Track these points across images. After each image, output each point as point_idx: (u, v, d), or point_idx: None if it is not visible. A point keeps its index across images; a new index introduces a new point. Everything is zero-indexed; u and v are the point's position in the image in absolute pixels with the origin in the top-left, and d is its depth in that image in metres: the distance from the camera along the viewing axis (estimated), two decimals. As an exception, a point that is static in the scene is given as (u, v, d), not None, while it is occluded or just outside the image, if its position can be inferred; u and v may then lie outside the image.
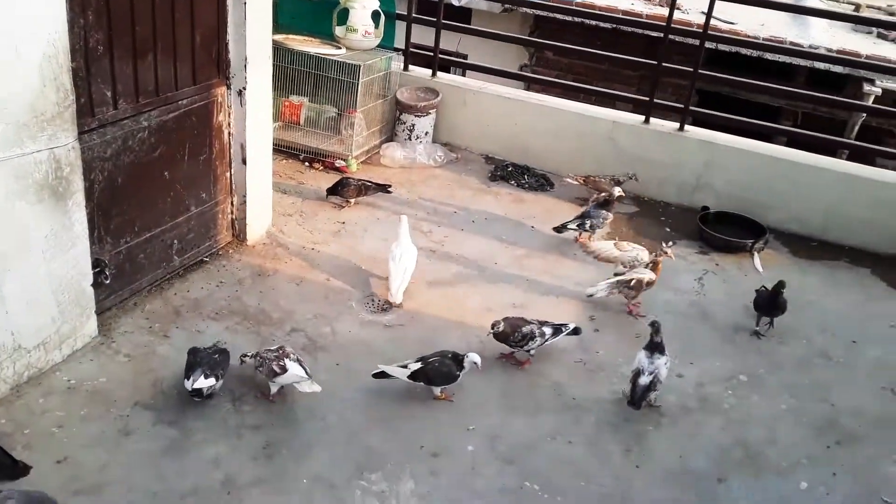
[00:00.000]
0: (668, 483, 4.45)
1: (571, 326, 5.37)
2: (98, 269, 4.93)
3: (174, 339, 5.08)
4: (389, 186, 7.12)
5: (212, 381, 4.51)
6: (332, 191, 6.91)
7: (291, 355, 4.66)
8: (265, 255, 6.13)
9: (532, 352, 5.23)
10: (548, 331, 5.23)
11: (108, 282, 5.06)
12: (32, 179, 4.32)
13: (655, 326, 5.01)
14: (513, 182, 7.82)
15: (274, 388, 4.66)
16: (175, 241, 5.65)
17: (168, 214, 5.53)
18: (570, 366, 5.31)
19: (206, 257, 5.99)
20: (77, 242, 4.68)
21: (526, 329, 5.14)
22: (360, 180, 7.02)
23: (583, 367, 5.31)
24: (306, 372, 4.63)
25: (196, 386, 4.46)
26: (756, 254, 6.89)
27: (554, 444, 4.65)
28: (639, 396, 4.96)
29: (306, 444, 4.43)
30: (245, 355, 4.73)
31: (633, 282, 5.76)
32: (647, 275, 5.80)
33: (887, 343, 5.84)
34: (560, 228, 6.69)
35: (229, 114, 5.82)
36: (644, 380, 4.93)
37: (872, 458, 4.73)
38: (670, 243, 6.05)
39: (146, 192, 5.30)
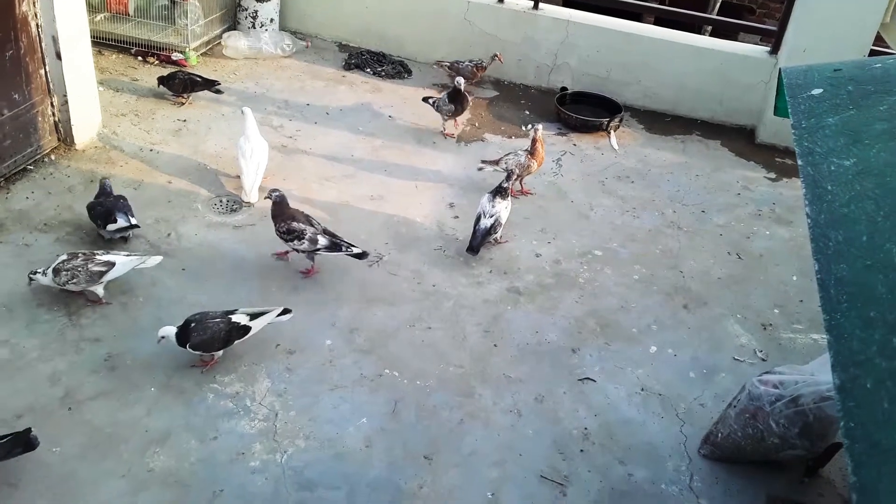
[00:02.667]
0: (523, 358, 4.56)
1: (358, 251, 4.81)
2: None
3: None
4: (218, 83, 6.52)
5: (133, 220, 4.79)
6: (163, 81, 6.41)
7: (98, 252, 4.43)
8: (97, 159, 5.64)
9: (310, 259, 4.89)
10: (324, 241, 4.73)
11: None
12: None
13: (508, 174, 5.28)
14: (369, 70, 7.50)
15: (101, 291, 4.40)
16: (-13, 148, 5.09)
17: (-25, 118, 4.95)
18: (430, 253, 5.27)
19: (30, 165, 5.44)
20: None
21: (296, 227, 4.72)
22: (187, 75, 6.48)
23: (442, 255, 5.28)
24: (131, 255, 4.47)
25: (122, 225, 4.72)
26: (612, 132, 6.99)
27: (413, 330, 4.64)
28: (478, 241, 5.03)
29: (153, 352, 4.21)
30: (35, 272, 4.31)
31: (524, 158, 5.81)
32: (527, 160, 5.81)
33: (732, 210, 6.14)
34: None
35: (35, 3, 5.16)
36: (484, 223, 5.05)
37: (717, 318, 5.02)
38: (530, 126, 6.00)
39: (-57, 94, 4.70)
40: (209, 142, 5.98)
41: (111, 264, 4.32)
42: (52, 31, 5.26)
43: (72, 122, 5.60)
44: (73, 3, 5.33)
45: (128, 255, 4.45)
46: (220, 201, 5.44)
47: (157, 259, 4.54)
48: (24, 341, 4.18)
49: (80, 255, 4.34)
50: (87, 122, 5.75)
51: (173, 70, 6.54)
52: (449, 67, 7.24)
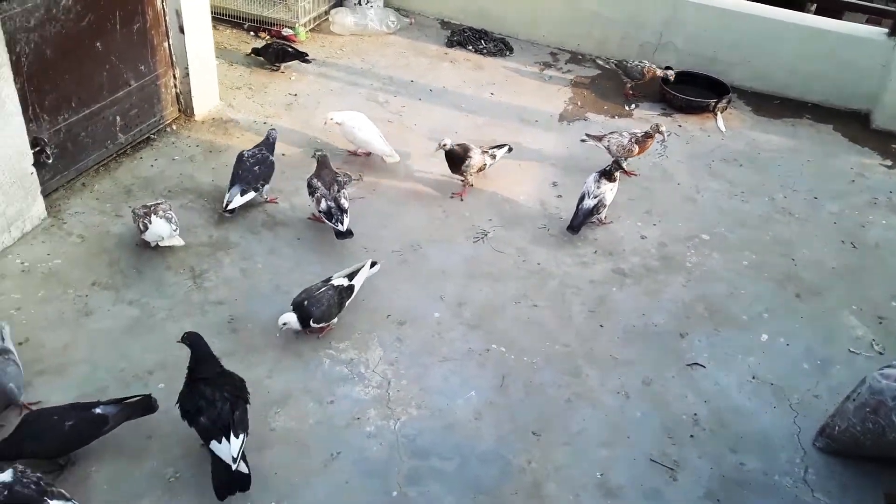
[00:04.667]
0: (630, 340, 4.54)
1: (341, 229, 4.84)
2: (38, 149, 4.67)
3: (127, 219, 4.89)
4: (307, 55, 6.69)
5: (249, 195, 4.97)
6: (257, 51, 6.67)
7: (161, 212, 4.61)
8: (215, 130, 5.86)
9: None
10: (323, 206, 4.85)
11: (50, 161, 4.80)
12: (-46, 53, 3.99)
13: (617, 163, 5.29)
14: (471, 47, 7.51)
15: (151, 241, 4.66)
16: (118, 118, 5.34)
17: (106, 89, 5.19)
18: (535, 232, 5.29)
19: (154, 134, 5.71)
20: (10, 121, 4.38)
21: (313, 184, 4.92)
22: (280, 45, 6.69)
23: (546, 233, 5.29)
24: (172, 229, 4.62)
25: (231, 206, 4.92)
26: (719, 113, 6.81)
27: (518, 307, 4.69)
28: (580, 221, 5.02)
29: (272, 317, 4.38)
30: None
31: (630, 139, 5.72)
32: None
33: (846, 197, 5.91)
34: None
35: (161, -23, 5.39)
36: (588, 203, 5.05)
37: (832, 309, 4.87)
38: (633, 105, 5.90)
39: (80, 66, 4.95)
40: (318, 116, 6.12)
41: (146, 228, 4.59)
42: (176, 6, 5.47)
43: (192, 94, 5.83)
44: (197, -21, 5.54)
45: (168, 226, 4.62)
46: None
47: (179, 242, 4.73)
48: (153, 301, 4.43)
49: (154, 205, 4.65)
50: (205, 94, 5.97)
51: (268, 41, 6.76)
52: (616, 66, 7.01)
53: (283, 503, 3.50)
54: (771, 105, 7.07)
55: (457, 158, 5.39)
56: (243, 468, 3.44)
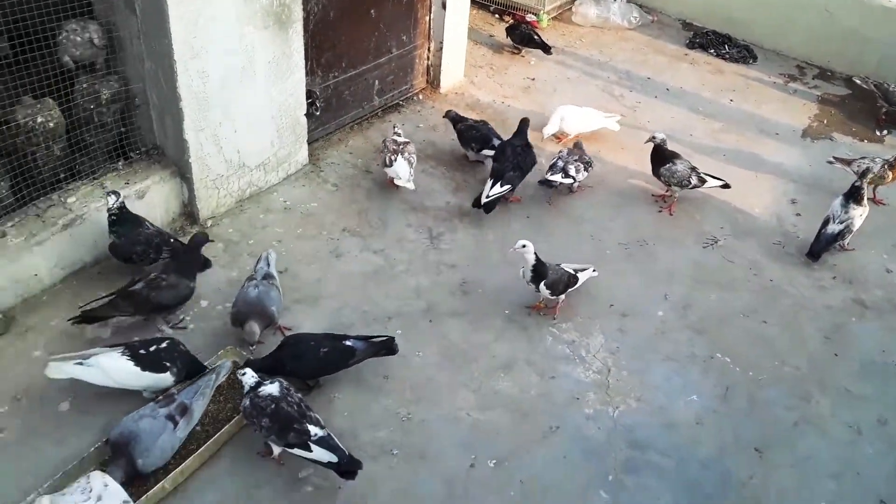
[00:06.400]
0: (867, 375, 4.27)
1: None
2: (311, 100, 5.10)
3: (376, 175, 5.25)
4: (550, 47, 6.76)
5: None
6: (508, 30, 6.86)
7: (406, 154, 4.94)
8: (456, 104, 6.11)
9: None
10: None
11: (318, 113, 5.23)
12: (259, 5, 4.43)
13: (864, 170, 4.91)
14: (712, 51, 7.30)
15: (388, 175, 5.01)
16: (376, 82, 5.72)
17: (372, 54, 5.57)
18: (769, 247, 5.08)
19: (402, 101, 6.06)
20: (295, 71, 4.82)
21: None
22: (527, 30, 6.80)
23: (781, 250, 5.07)
24: (409, 173, 4.94)
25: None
26: None
27: (748, 321, 4.54)
28: (821, 246, 4.69)
29: (500, 287, 4.55)
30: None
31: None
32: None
33: None
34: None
35: (434, -47, 5.68)
36: (832, 228, 4.68)
37: None
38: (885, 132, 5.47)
39: (354, 29, 5.34)
40: (554, 101, 6.22)
41: (388, 164, 5.01)
42: (443, -18, 5.76)
43: (441, 68, 6.12)
44: (465, -42, 5.79)
45: (407, 169, 4.97)
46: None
47: (410, 187, 5.00)
48: (395, 254, 4.72)
49: (404, 144, 5.05)
50: (452, 69, 6.25)
51: (515, 23, 6.92)
52: (876, 87, 6.54)
53: (505, 464, 3.64)
54: None
55: (661, 158, 5.24)
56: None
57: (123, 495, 3.05)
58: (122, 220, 4.07)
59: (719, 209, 5.37)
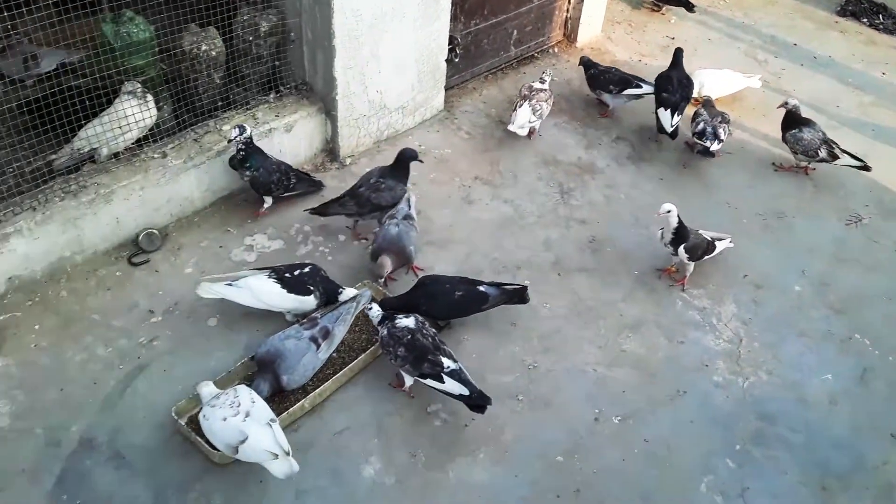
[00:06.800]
0: None
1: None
2: (451, 46, 5.10)
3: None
4: (693, 4, 6.52)
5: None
6: None
7: (533, 101, 4.97)
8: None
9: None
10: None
11: (456, 60, 5.24)
12: (411, -55, 4.44)
13: None
14: (865, 20, 6.86)
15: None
16: (514, 32, 5.66)
17: (514, 2, 5.50)
18: (919, 230, 4.81)
19: (538, 53, 5.98)
20: (441, 15, 4.83)
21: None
22: None
23: (932, 234, 4.79)
24: (528, 120, 4.94)
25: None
26: None
27: (891, 305, 4.33)
28: None
29: (629, 248, 4.49)
30: None
31: None
32: None
33: None
34: None
35: None
36: None
37: None
38: None
39: (498, -24, 5.30)
40: (694, 63, 5.99)
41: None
42: (593, -68, 5.61)
43: (580, 21, 5.99)
44: None
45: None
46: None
47: None
48: (525, 205, 4.72)
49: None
50: (590, 23, 6.11)
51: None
52: None
53: (629, 421, 3.64)
54: None
55: (791, 123, 5.04)
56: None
57: (270, 414, 3.22)
58: (250, 153, 4.18)
59: (865, 186, 5.09)
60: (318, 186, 4.54)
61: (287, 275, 3.75)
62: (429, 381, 3.46)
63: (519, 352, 3.90)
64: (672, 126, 5.02)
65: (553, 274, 4.32)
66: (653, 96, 5.19)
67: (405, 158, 4.29)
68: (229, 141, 4.15)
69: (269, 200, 4.35)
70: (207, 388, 3.24)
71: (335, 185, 4.66)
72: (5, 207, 3.69)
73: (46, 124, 3.93)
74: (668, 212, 4.10)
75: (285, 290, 3.71)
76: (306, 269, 3.81)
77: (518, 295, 3.93)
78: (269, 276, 3.73)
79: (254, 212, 4.38)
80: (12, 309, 3.74)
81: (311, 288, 3.75)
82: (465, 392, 3.41)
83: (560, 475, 3.41)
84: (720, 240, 4.37)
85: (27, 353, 3.59)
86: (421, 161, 4.40)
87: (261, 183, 4.26)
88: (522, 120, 4.92)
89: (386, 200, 4.21)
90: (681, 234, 4.16)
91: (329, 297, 3.81)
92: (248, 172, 4.21)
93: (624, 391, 3.77)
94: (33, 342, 3.64)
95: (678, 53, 5.28)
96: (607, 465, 3.47)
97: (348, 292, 3.82)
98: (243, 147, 4.15)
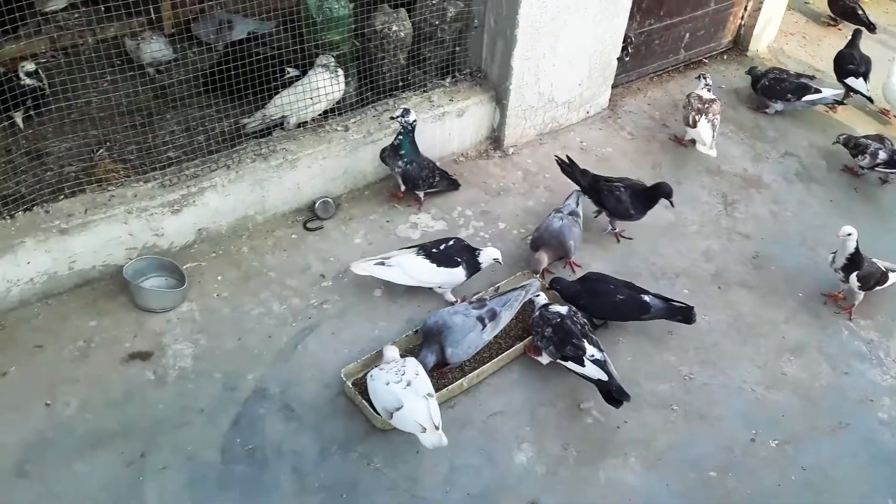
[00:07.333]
0: None
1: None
2: (624, 45, 5.06)
3: (674, 130, 5.15)
4: (875, 27, 6.24)
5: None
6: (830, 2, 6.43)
7: (710, 115, 4.82)
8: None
9: None
10: None
11: (627, 59, 5.19)
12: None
13: None
14: None
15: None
16: (687, 35, 5.56)
17: (690, 5, 5.40)
18: None
19: (705, 58, 5.85)
20: (620, 13, 4.79)
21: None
22: (851, 4, 6.28)
23: None
24: (712, 137, 4.81)
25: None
26: None
27: None
28: None
29: (796, 267, 4.36)
30: None
31: None
32: None
33: None
34: None
35: None
36: None
37: None
38: None
39: (679, -24, 5.21)
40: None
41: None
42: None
43: (754, 29, 5.81)
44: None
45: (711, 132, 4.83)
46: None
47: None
48: (686, 213, 4.64)
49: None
50: (764, 33, 5.93)
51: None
52: None
53: (787, 446, 3.54)
54: None
55: None
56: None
57: (429, 388, 3.31)
58: (407, 141, 4.18)
59: None
60: (455, 186, 4.57)
61: (434, 250, 3.87)
62: (569, 364, 3.52)
63: (675, 361, 3.85)
64: (868, 91, 5.33)
65: (713, 286, 4.24)
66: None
67: (660, 193, 4.19)
68: (392, 118, 4.21)
69: (421, 194, 4.44)
70: (391, 352, 3.38)
71: (497, 172, 4.73)
72: (203, 163, 3.94)
73: (228, 88, 4.14)
74: (849, 235, 3.94)
75: (435, 265, 3.82)
76: (450, 243, 3.93)
77: (683, 314, 3.86)
78: (418, 254, 3.85)
79: (393, 195, 4.48)
80: (199, 258, 4.01)
81: (459, 260, 3.86)
82: (604, 377, 3.44)
83: (712, 491, 3.36)
84: (893, 271, 4.17)
85: (210, 300, 3.84)
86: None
87: (412, 177, 4.29)
88: (708, 138, 4.77)
89: (620, 212, 4.24)
90: (855, 261, 4.00)
91: (474, 268, 3.90)
92: (400, 164, 4.23)
93: (783, 415, 3.66)
94: (215, 291, 3.88)
95: (857, 34, 5.44)
96: (762, 488, 3.38)
97: (487, 252, 3.91)
98: (402, 131, 4.16)
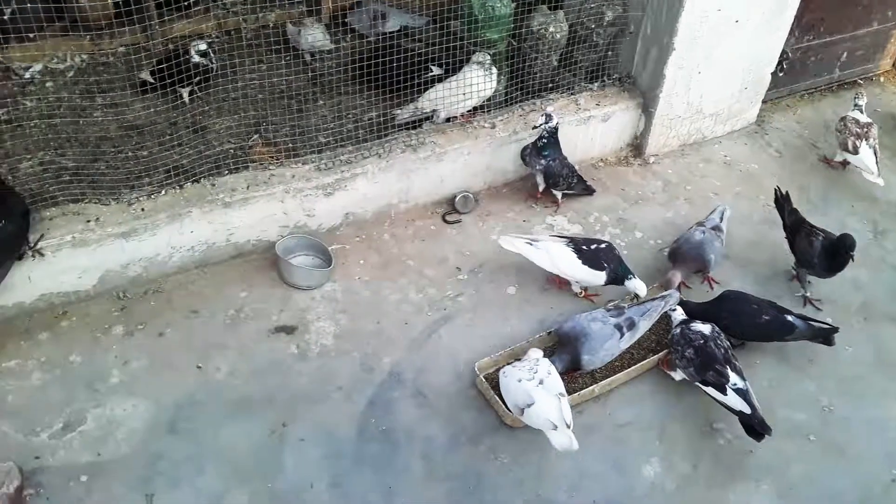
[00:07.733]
0: None
1: None
2: (780, 60, 4.89)
3: (824, 150, 4.95)
4: None
5: None
6: None
7: (871, 140, 4.61)
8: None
9: None
10: None
11: (780, 74, 5.02)
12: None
13: None
14: None
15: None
16: (844, 54, 5.32)
17: (852, 23, 5.17)
18: None
19: (860, 79, 5.59)
20: (781, 27, 4.64)
21: None
22: None
23: None
24: (876, 163, 4.61)
25: None
26: None
27: None
28: None
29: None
30: None
31: None
32: None
33: None
34: None
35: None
36: None
37: None
38: None
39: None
40: None
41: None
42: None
43: (918, 51, 5.52)
44: None
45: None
46: None
47: None
48: (832, 239, 4.46)
49: None
50: (928, 55, 5.61)
51: None
52: None
53: (935, 492, 3.37)
54: None
55: None
56: None
57: (561, 387, 3.32)
58: (550, 144, 4.21)
59: None
60: (590, 191, 4.54)
61: (584, 247, 3.88)
62: (710, 390, 3.42)
63: (814, 391, 3.72)
64: None
65: (859, 316, 4.06)
66: None
67: (843, 245, 3.92)
68: (534, 127, 4.24)
69: (559, 195, 4.45)
70: (535, 353, 3.41)
71: (636, 180, 4.68)
72: (356, 150, 4.08)
73: (375, 80, 4.26)
74: None
75: (580, 261, 3.83)
76: (602, 246, 3.91)
77: (824, 335, 3.73)
78: (567, 245, 3.86)
79: (531, 195, 4.49)
80: (344, 241, 4.16)
81: (605, 265, 3.85)
82: (747, 410, 3.33)
83: (848, 529, 3.24)
84: None
85: (351, 283, 3.98)
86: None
87: (553, 173, 4.30)
88: (873, 165, 4.56)
89: (802, 254, 4.02)
90: None
91: (617, 278, 3.87)
92: (542, 161, 4.25)
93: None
94: (357, 274, 4.02)
95: None
96: (903, 532, 3.24)
97: (636, 284, 3.85)
98: (546, 135, 4.19)
